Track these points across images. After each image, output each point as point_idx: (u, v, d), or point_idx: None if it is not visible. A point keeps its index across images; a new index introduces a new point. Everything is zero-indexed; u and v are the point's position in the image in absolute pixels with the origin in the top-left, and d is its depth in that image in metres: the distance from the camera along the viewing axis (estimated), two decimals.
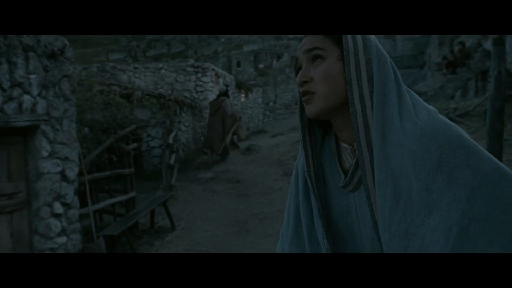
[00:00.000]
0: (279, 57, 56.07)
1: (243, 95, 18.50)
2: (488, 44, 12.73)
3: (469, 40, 14.68)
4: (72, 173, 4.80)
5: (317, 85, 0.93)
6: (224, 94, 11.22)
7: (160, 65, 12.95)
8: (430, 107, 0.91)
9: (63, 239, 4.70)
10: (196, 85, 13.18)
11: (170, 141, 8.68)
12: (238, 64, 48.38)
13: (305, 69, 0.95)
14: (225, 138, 10.44)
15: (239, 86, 18.05)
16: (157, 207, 6.73)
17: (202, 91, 13.27)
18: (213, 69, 13.98)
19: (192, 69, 13.09)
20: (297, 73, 1.01)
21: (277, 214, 6.63)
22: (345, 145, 1.00)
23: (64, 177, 4.70)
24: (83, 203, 5.26)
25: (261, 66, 52.21)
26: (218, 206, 7.64)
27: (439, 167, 0.77)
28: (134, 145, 6.79)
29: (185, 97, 11.76)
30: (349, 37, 0.91)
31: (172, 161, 8.56)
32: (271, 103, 30.64)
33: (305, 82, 0.95)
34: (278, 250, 1.25)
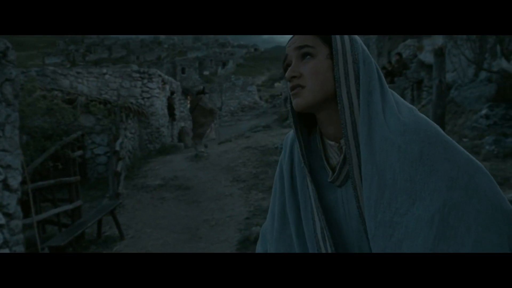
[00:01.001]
0: (224, 64, 56.18)
1: (189, 101, 18.36)
2: (423, 55, 13.57)
3: (405, 51, 15.56)
4: (15, 182, 4.55)
5: (307, 80, 0.97)
6: (201, 92, 12.81)
7: (104, 70, 12.55)
8: (411, 105, 0.99)
9: (5, 251, 4.44)
10: (142, 91, 12.91)
11: (117, 148, 8.45)
12: (183, 71, 47.93)
13: (295, 65, 1.00)
14: (206, 129, 12.03)
15: (185, 92, 17.90)
16: (104, 216, 6.52)
17: (148, 98, 13.02)
18: (160, 75, 13.77)
19: (138, 74, 12.82)
20: (285, 70, 1.06)
21: (228, 220, 6.64)
22: (331, 143, 1.04)
23: (6, 186, 4.45)
24: (26, 213, 5.00)
25: (206, 73, 52.06)
26: (168, 214, 7.53)
27: (421, 159, 0.84)
28: (80, 152, 6.55)
29: (131, 103, 11.49)
30: (338, 37, 0.96)
31: (119, 169, 8.33)
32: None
33: (294, 77, 0.99)
34: (259, 249, 1.27)
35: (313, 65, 0.97)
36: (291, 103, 1.07)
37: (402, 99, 1.00)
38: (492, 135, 7.55)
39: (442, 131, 0.90)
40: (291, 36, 1.05)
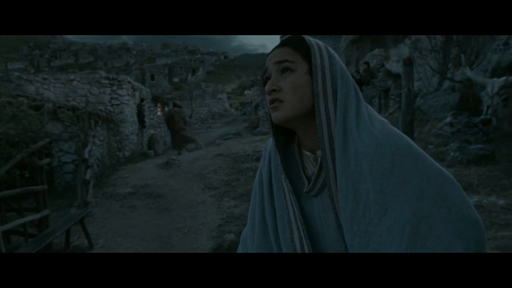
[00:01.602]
0: (194, 72, 55.93)
1: (159, 109, 18.15)
2: (389, 65, 13.98)
3: (373, 61, 15.96)
4: None
5: (286, 94, 1.01)
6: (177, 106, 14.15)
7: (72, 77, 12.26)
8: (383, 119, 1.03)
9: None
10: (112, 98, 12.68)
11: (86, 155, 8.27)
12: (152, 78, 47.42)
13: (275, 79, 1.03)
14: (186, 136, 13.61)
15: (155, 99, 17.71)
16: (72, 225, 6.35)
17: (118, 104, 12.80)
18: (129, 82, 13.59)
19: (107, 81, 12.59)
20: (264, 83, 1.09)
21: (201, 228, 6.59)
22: (307, 153, 1.08)
23: None
24: None
25: (176, 80, 51.67)
26: (138, 222, 7.40)
27: (392, 171, 0.87)
28: (48, 160, 6.38)
29: (100, 110, 11.27)
30: (317, 54, 1.00)
31: (87, 177, 8.15)
32: (187, 118, 30.38)
33: (274, 90, 1.02)
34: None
35: (292, 79, 1.01)
36: (270, 117, 1.11)
37: (375, 112, 1.04)
38: (456, 142, 7.83)
39: (413, 144, 0.94)
40: (267, 49, 1.10)
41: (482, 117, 4.61)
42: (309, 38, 1.03)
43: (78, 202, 8.03)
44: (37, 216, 6.04)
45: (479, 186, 6.01)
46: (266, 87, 1.04)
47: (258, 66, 66.04)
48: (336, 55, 1.04)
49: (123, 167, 11.55)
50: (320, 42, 1.04)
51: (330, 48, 1.05)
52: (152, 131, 16.85)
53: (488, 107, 4.62)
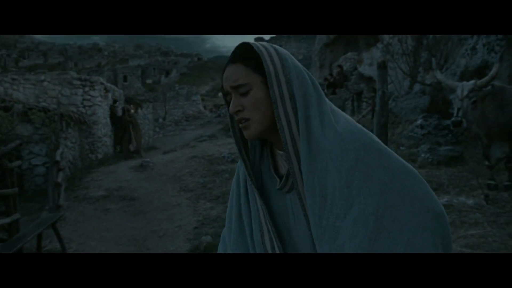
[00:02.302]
0: (167, 73, 55.41)
1: (133, 110, 17.92)
2: (362, 68, 14.25)
3: (346, 64, 16.23)
4: None
5: (250, 112, 1.03)
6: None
7: (42, 77, 11.95)
8: (348, 116, 1.07)
9: None
10: (84, 99, 12.42)
11: (58, 158, 8.08)
12: (125, 79, 46.72)
13: (235, 99, 1.05)
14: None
15: (129, 101, 17.48)
16: (44, 229, 6.19)
17: (90, 106, 12.55)
18: (102, 83, 13.35)
19: (79, 82, 12.32)
20: (224, 97, 1.12)
21: (177, 230, 6.55)
22: (280, 152, 1.12)
23: None
24: None
25: (149, 81, 51.10)
26: (112, 226, 7.29)
27: (356, 166, 0.91)
28: (18, 162, 6.21)
29: (72, 111, 11.03)
30: (268, 61, 1.00)
31: (59, 180, 7.96)
32: (160, 120, 30.10)
33: (238, 111, 1.04)
34: (220, 251, 1.33)
35: (251, 97, 1.03)
36: (231, 127, 1.16)
37: (338, 109, 1.08)
38: (427, 144, 8.06)
39: (377, 140, 0.97)
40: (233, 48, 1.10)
41: (453, 119, 4.77)
42: (257, 46, 1.03)
43: (50, 205, 7.84)
44: (7, 220, 5.86)
45: (449, 186, 6.20)
46: (230, 109, 1.05)
47: None
48: (288, 55, 1.05)
49: (95, 169, 11.34)
50: (268, 46, 1.04)
51: (280, 50, 1.05)
52: None
53: (458, 109, 4.78)
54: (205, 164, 10.12)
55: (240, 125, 1.06)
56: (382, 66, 3.54)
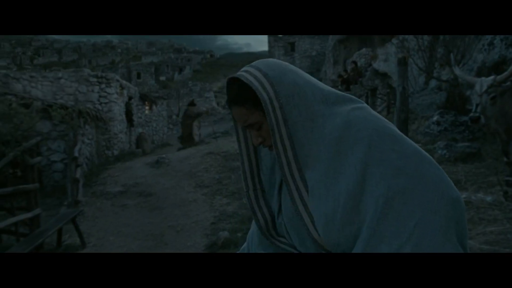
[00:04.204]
0: (181, 70, 55.62)
1: (147, 107, 18.06)
2: (376, 64, 14.15)
3: (360, 60, 16.13)
4: None
5: (270, 140, 1.10)
6: (191, 104, 16.43)
7: (60, 74, 12.12)
8: (360, 105, 1.07)
9: None
10: (100, 96, 12.58)
11: (76, 154, 8.21)
12: (138, 76, 47.04)
13: (254, 134, 1.12)
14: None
15: (143, 98, 17.61)
16: (64, 224, 6.30)
17: (106, 103, 12.70)
18: (118, 80, 13.49)
19: (95, 79, 12.48)
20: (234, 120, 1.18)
21: (194, 226, 6.62)
22: None
23: None
24: None
25: (162, 78, 51.33)
26: (130, 221, 7.39)
27: (369, 151, 0.92)
28: (39, 158, 6.33)
29: (89, 108, 11.18)
30: (261, 91, 1.02)
31: (78, 175, 8.10)
32: (174, 116, 30.25)
33: (260, 142, 1.11)
34: (244, 250, 1.40)
35: (265, 130, 1.09)
36: (237, 140, 1.23)
37: (356, 100, 1.08)
38: (443, 140, 7.98)
39: (392, 126, 0.99)
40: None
41: (471, 115, 4.73)
42: (249, 80, 1.04)
43: (69, 201, 7.98)
44: (28, 215, 5.99)
45: (467, 183, 6.15)
46: (254, 143, 1.12)
47: (245, 65, 65.66)
48: (280, 73, 1.06)
49: (112, 166, 11.48)
50: (258, 74, 1.05)
51: (270, 72, 1.06)
52: (140, 130, 16.76)
53: (477, 105, 4.73)
54: (221, 160, 10.18)
55: (269, 149, 1.15)
56: (403, 62, 3.54)
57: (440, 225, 0.83)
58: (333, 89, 1.10)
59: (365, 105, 1.07)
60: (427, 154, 0.94)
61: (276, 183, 1.20)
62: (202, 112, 16.32)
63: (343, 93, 1.10)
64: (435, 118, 8.91)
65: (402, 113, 3.37)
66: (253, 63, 1.11)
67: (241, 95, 1.06)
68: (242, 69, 1.11)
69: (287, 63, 1.12)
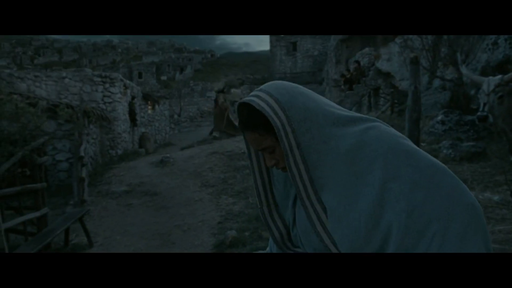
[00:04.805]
0: (182, 70, 55.63)
1: (150, 107, 18.07)
2: (380, 63, 14.15)
3: (363, 59, 16.13)
4: None
5: (283, 163, 1.13)
6: (221, 91, 16.90)
7: (64, 74, 12.15)
8: (372, 123, 1.08)
9: None
10: (104, 96, 12.60)
11: (82, 153, 8.23)
12: (140, 75, 47.07)
13: (268, 157, 1.15)
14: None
15: (146, 98, 17.62)
16: (71, 224, 6.32)
17: (110, 102, 12.73)
18: (121, 80, 13.51)
19: (99, 79, 12.50)
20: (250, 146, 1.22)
21: (201, 225, 6.63)
22: None
23: None
24: None
25: (163, 78, 51.35)
26: (136, 220, 7.40)
27: (386, 169, 0.95)
28: (46, 158, 6.35)
29: (94, 108, 11.20)
30: (274, 118, 1.04)
31: (83, 175, 8.11)
32: (175, 116, 30.28)
33: (275, 164, 1.14)
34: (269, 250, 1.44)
35: (278, 153, 1.12)
36: (249, 159, 1.26)
37: (367, 119, 1.10)
38: (448, 140, 8.00)
39: (405, 141, 1.02)
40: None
41: (478, 114, 4.75)
42: (261, 106, 1.05)
43: (75, 200, 8.00)
44: (37, 214, 6.00)
45: (473, 182, 6.16)
46: (268, 165, 1.16)
47: (246, 64, 65.97)
48: (292, 99, 1.08)
49: (116, 165, 11.50)
50: (269, 100, 1.07)
51: (281, 97, 1.07)
52: (143, 129, 16.78)
53: (484, 104, 4.75)
54: (225, 160, 10.19)
55: (282, 171, 1.18)
56: (414, 62, 3.55)
57: (457, 232, 0.87)
58: (343, 110, 1.12)
59: (377, 122, 1.09)
60: (441, 164, 0.97)
61: (291, 196, 1.23)
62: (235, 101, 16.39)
63: (353, 113, 1.12)
64: (439, 118, 8.92)
65: (414, 113, 3.38)
66: (262, 87, 1.13)
67: (252, 120, 1.09)
68: (252, 93, 1.12)
69: (295, 85, 1.14)
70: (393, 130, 1.06)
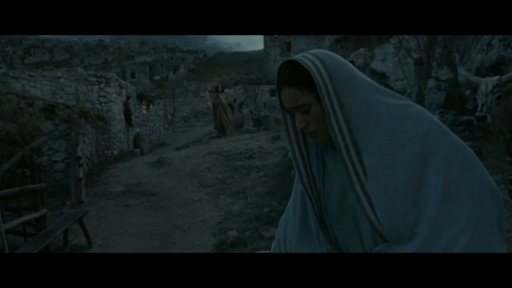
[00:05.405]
0: (175, 69, 55.46)
1: (144, 107, 18.00)
2: (374, 64, 14.24)
3: (358, 60, 16.22)
4: None
5: (315, 125, 1.14)
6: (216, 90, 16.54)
7: (59, 74, 12.05)
8: (406, 100, 1.13)
9: None
10: (100, 96, 12.53)
11: (79, 153, 8.19)
12: (133, 75, 46.84)
13: (299, 117, 1.15)
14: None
15: (141, 97, 17.55)
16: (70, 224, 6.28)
17: (105, 102, 12.65)
18: (117, 80, 13.44)
19: (95, 78, 12.42)
20: (283, 107, 1.22)
21: (201, 225, 6.64)
22: None
23: None
24: None
25: (157, 77, 51.16)
26: (134, 220, 7.39)
27: (425, 143, 1.00)
28: (45, 158, 6.31)
29: (90, 108, 11.14)
30: (317, 76, 1.07)
31: (81, 175, 8.08)
32: (169, 116, 30.17)
33: (305, 126, 1.15)
34: (279, 232, 1.44)
35: (312, 114, 1.13)
36: (286, 129, 1.26)
37: (398, 94, 1.14)
38: None
39: (440, 122, 1.07)
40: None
41: (477, 114, 4.82)
42: (306, 63, 1.09)
43: (72, 200, 7.95)
44: (36, 215, 5.97)
45: None
46: (297, 126, 1.17)
47: (239, 64, 65.92)
48: (334, 62, 1.11)
49: (112, 165, 11.45)
50: (314, 59, 1.10)
51: (326, 59, 1.10)
52: (137, 130, 16.71)
53: (482, 104, 4.82)
54: (223, 160, 10.19)
55: (310, 136, 1.18)
56: (419, 62, 3.59)
57: (486, 215, 0.92)
58: (381, 85, 1.16)
59: (415, 103, 1.13)
60: (471, 150, 1.02)
61: (320, 164, 1.25)
62: (229, 102, 16.49)
63: (390, 89, 1.15)
64: (435, 118, 9.01)
65: None
66: (310, 51, 1.16)
67: (295, 76, 1.11)
68: (298, 54, 1.14)
69: (340, 56, 1.16)
70: (428, 112, 1.11)
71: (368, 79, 1.14)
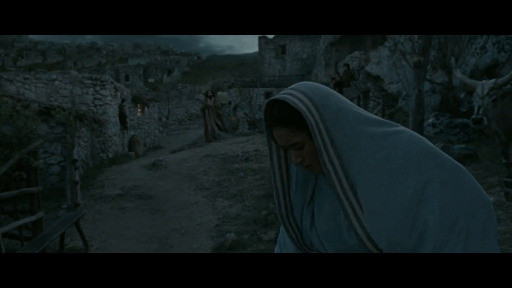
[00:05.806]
0: (169, 72, 55.36)
1: (139, 110, 17.95)
2: (369, 66, 14.32)
3: (352, 63, 16.29)
4: None
5: (310, 160, 1.17)
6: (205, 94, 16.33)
7: (54, 76, 12.00)
8: (398, 126, 1.15)
9: None
10: (95, 99, 12.49)
11: (75, 156, 8.14)
12: (127, 78, 46.71)
13: (294, 153, 1.17)
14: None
15: (135, 100, 17.50)
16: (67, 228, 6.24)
17: (101, 105, 12.61)
18: (112, 82, 13.40)
19: (90, 81, 12.38)
20: (269, 139, 1.25)
21: (198, 228, 6.62)
22: None
23: None
24: None
25: (151, 80, 51.03)
26: (131, 224, 7.35)
27: (419, 171, 1.02)
28: (41, 161, 6.27)
29: (85, 110, 11.09)
30: (308, 115, 1.08)
31: (77, 178, 8.03)
32: (164, 119, 30.11)
33: (301, 161, 1.18)
34: (276, 251, 1.48)
35: (306, 151, 1.15)
36: (270, 153, 1.29)
37: (395, 125, 1.16)
38: (439, 142, 8.13)
39: (430, 144, 1.09)
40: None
41: (473, 116, 4.87)
42: (296, 103, 1.09)
43: (68, 203, 7.90)
44: (32, 218, 5.92)
45: None
46: (293, 162, 1.18)
47: (233, 67, 66.01)
48: (323, 97, 1.11)
49: (107, 168, 11.40)
50: (303, 98, 1.10)
51: (314, 96, 1.11)
52: (132, 132, 16.65)
53: (479, 107, 4.87)
54: (219, 163, 10.19)
55: (307, 169, 1.20)
56: (419, 65, 3.62)
57: (479, 226, 0.96)
58: (368, 113, 1.17)
59: (404, 128, 1.15)
60: (460, 164, 1.05)
61: (307, 196, 1.27)
62: (217, 105, 16.10)
63: (377, 116, 1.17)
64: (430, 120, 9.07)
65: (418, 116, 3.46)
66: (294, 86, 1.16)
67: (285, 116, 1.12)
68: (284, 91, 1.15)
69: (326, 87, 1.18)
70: (417, 134, 1.12)
71: (356, 107, 1.14)
